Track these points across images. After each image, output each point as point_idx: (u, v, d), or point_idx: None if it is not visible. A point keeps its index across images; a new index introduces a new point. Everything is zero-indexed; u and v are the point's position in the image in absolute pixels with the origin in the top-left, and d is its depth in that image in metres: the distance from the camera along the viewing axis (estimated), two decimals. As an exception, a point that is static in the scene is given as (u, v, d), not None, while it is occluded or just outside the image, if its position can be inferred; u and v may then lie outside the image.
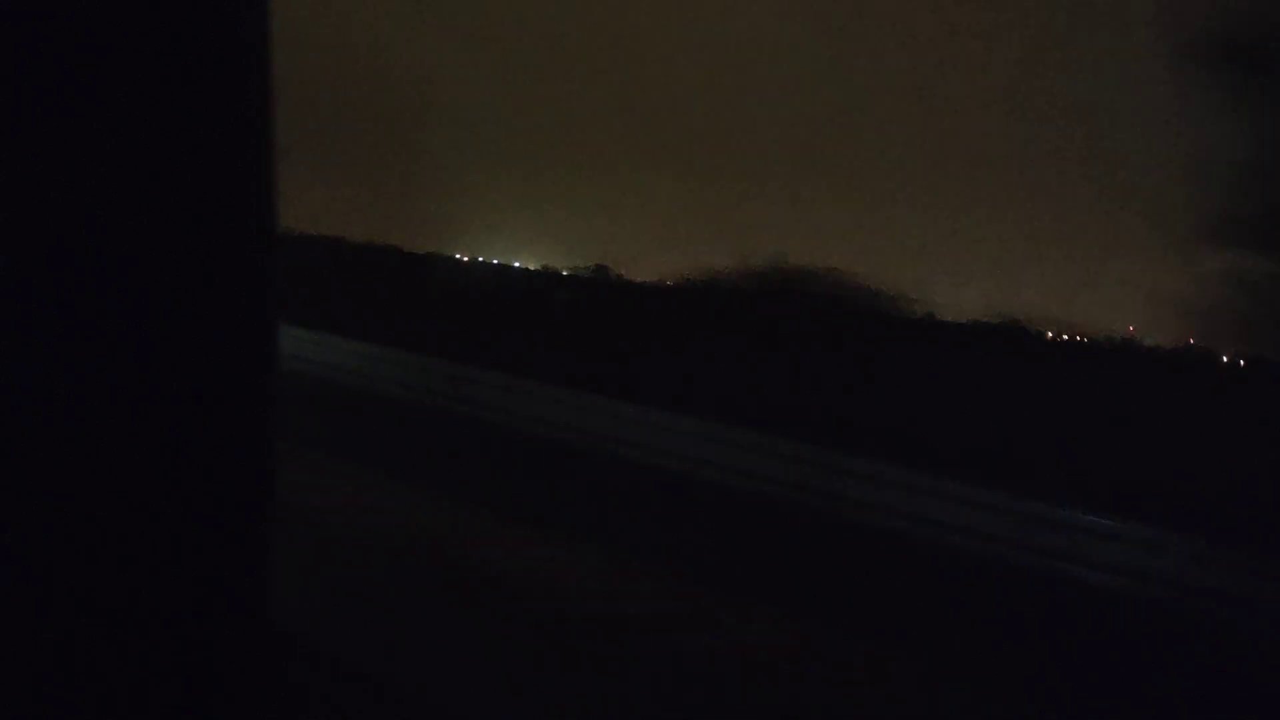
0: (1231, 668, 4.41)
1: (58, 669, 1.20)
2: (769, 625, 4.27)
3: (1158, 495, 6.26)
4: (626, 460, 7.20)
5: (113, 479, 1.22)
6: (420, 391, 9.11)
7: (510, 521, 5.35)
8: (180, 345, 1.25)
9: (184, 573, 1.28)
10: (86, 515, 1.21)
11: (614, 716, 2.95)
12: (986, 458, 7.28)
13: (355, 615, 3.31)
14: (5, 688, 1.18)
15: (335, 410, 8.27)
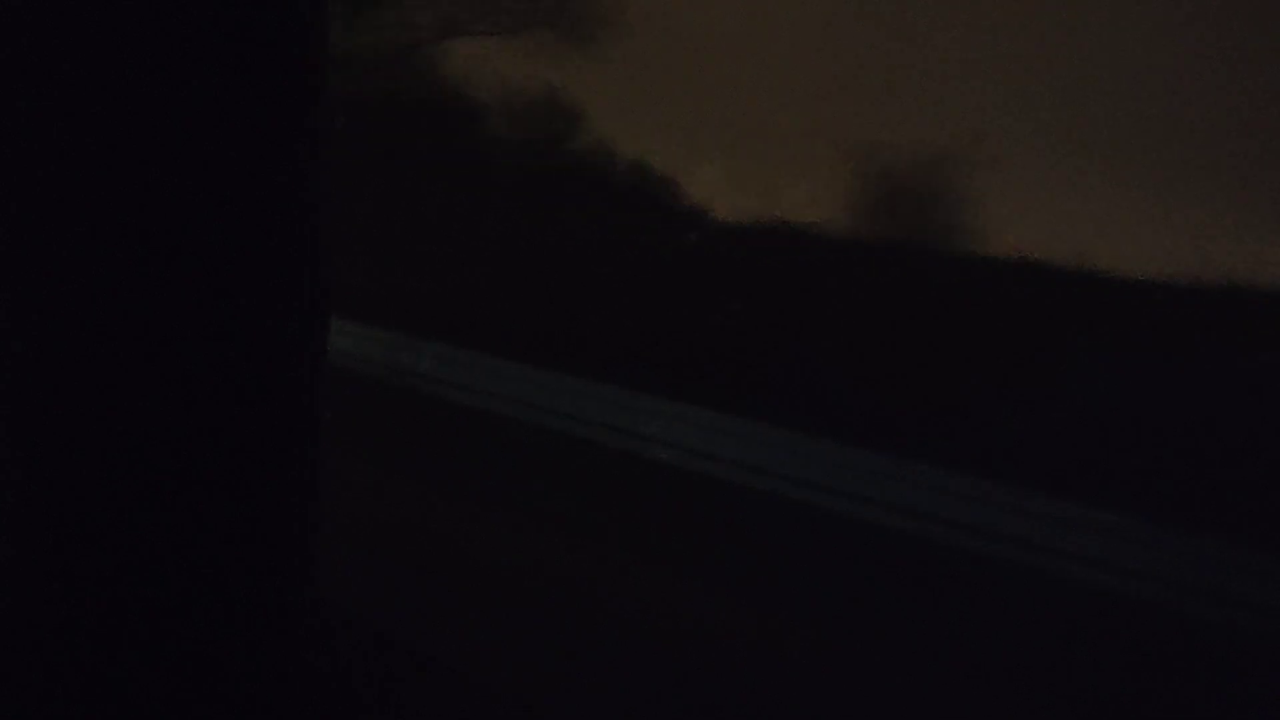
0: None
1: (110, 643, 1.27)
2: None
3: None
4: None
5: (165, 464, 1.27)
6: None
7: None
8: (230, 336, 1.29)
9: (232, 552, 1.33)
10: (137, 499, 1.26)
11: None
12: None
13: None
14: (71, 653, 1.25)
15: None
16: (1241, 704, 3.19)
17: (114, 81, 1.18)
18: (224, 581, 1.33)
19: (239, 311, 1.29)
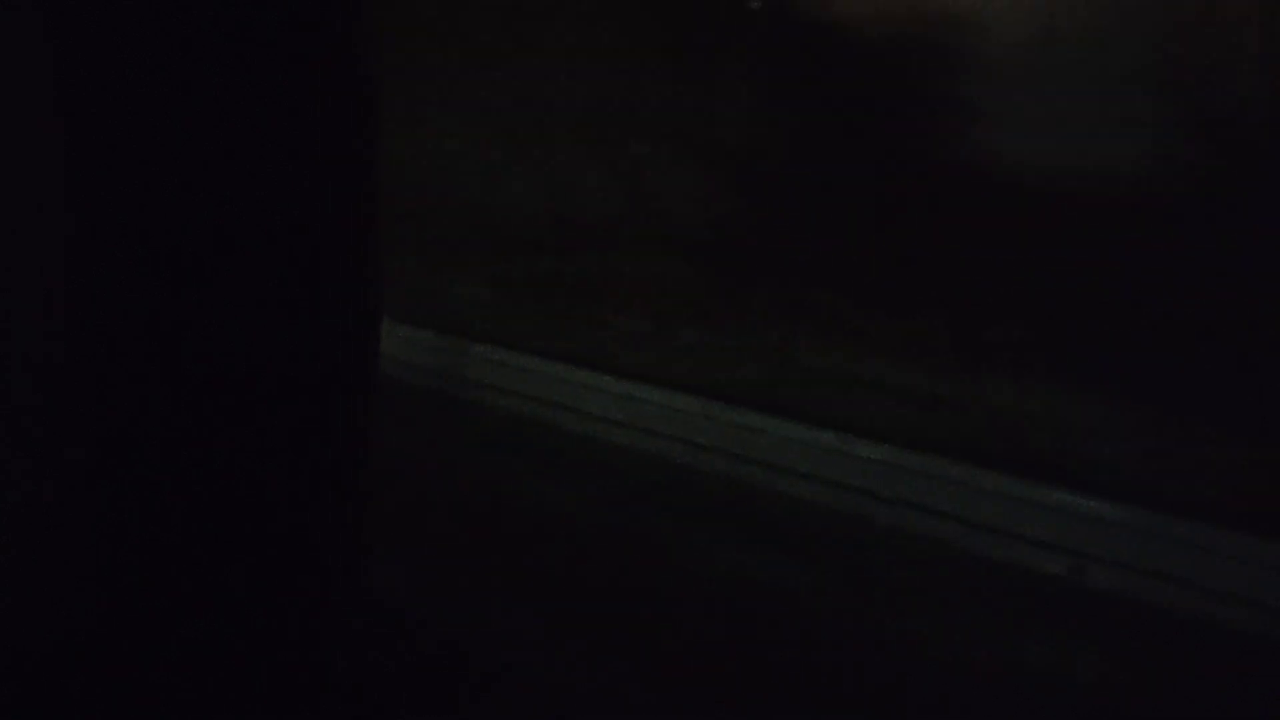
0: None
1: (170, 634, 1.28)
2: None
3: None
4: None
5: (215, 464, 1.28)
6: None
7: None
8: (284, 335, 1.31)
9: (287, 550, 1.34)
10: (197, 490, 1.27)
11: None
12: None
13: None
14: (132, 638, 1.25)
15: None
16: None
17: (162, 82, 1.17)
18: (268, 575, 1.34)
19: (293, 312, 1.29)
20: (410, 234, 4.98)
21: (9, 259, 1.21)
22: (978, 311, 4.24)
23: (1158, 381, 3.78)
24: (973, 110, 4.30)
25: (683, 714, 2.21)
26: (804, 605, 3.24)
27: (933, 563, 3.70)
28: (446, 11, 5.54)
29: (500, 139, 5.67)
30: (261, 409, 1.29)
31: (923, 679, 2.77)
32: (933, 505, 4.11)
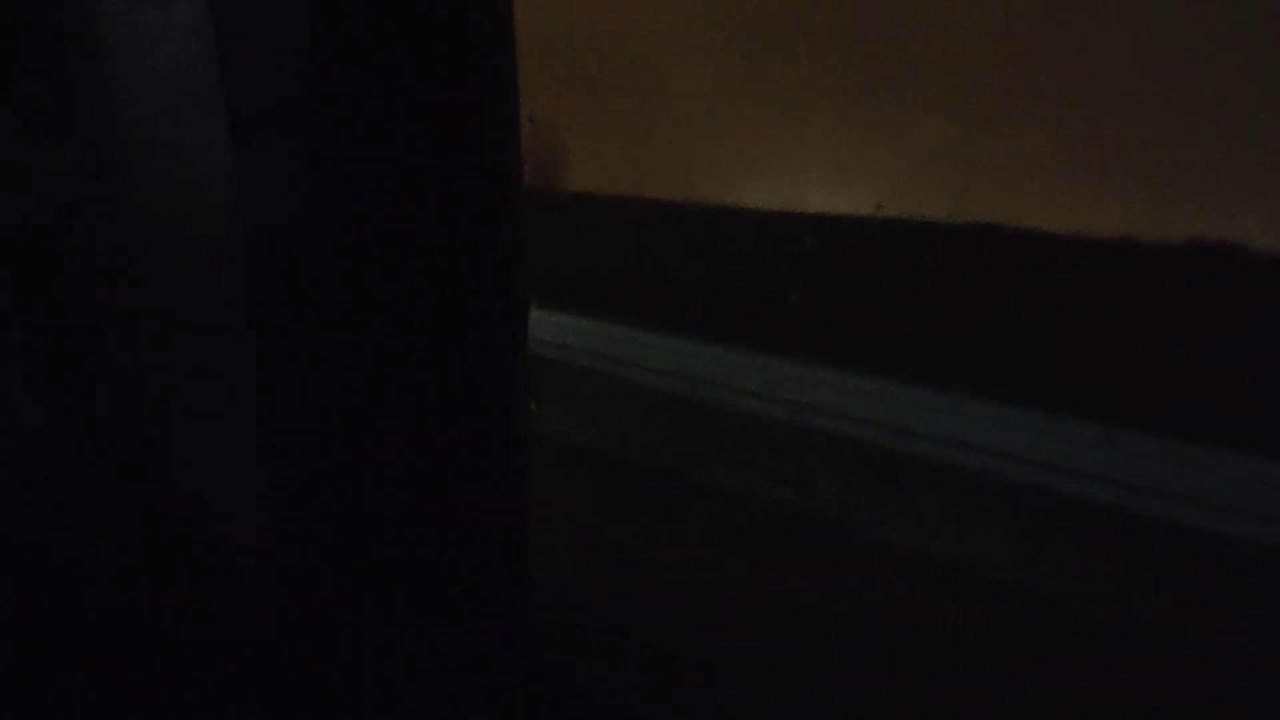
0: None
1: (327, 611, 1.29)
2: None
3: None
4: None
5: (386, 447, 1.29)
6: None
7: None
8: (439, 320, 1.32)
9: (446, 530, 1.35)
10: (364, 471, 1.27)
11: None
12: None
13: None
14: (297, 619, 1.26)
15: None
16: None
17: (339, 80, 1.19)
18: (432, 554, 1.36)
19: (446, 302, 1.31)
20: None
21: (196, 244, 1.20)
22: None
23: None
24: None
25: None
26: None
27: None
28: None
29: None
30: (429, 406, 1.31)
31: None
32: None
